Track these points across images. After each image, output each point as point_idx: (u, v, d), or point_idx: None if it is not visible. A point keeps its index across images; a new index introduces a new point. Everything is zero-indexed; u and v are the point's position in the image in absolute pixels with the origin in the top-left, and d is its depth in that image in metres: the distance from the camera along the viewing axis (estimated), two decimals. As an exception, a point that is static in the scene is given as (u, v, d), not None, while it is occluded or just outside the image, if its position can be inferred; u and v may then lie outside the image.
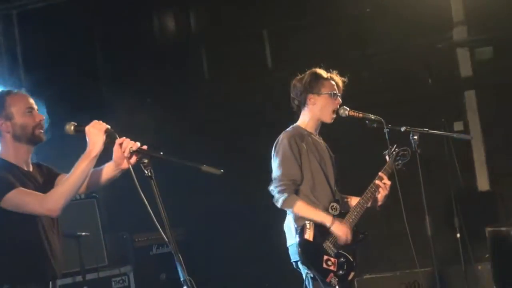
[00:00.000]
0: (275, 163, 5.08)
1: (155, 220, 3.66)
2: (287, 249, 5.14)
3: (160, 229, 3.66)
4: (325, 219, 4.95)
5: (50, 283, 4.21)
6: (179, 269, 3.71)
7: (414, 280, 7.32)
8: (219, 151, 8.85)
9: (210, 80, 9.28)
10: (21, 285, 4.07)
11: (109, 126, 3.97)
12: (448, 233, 6.56)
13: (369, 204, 5.07)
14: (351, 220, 5.01)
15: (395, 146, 5.21)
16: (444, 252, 7.13)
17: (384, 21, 8.41)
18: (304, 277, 4.97)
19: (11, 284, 4.05)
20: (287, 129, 5.18)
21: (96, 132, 3.94)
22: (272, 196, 5.07)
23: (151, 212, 3.64)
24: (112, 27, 7.79)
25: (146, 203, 3.65)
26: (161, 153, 3.88)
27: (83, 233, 6.66)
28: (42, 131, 4.22)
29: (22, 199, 3.99)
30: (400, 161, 5.19)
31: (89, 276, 6.85)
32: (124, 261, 7.52)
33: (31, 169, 4.25)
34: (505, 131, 8.19)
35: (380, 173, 5.12)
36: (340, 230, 4.94)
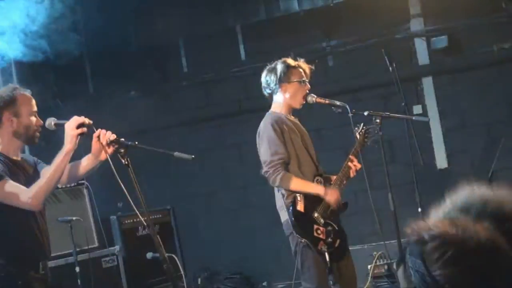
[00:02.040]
0: (262, 148, 4.99)
1: (132, 204, 3.68)
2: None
3: (137, 212, 3.69)
4: (318, 190, 4.94)
5: (40, 263, 4.16)
6: (158, 248, 3.73)
7: (381, 251, 7.32)
8: (200, 136, 8.85)
9: (189, 72, 9.18)
10: (14, 263, 4.05)
11: (87, 120, 3.92)
12: (410, 208, 6.54)
13: (344, 182, 5.03)
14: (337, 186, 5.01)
15: (362, 124, 5.16)
16: (407, 226, 7.10)
17: (347, 14, 8.37)
18: (294, 248, 4.93)
19: (5, 260, 4.03)
20: (265, 117, 5.08)
21: (71, 128, 3.89)
22: (266, 178, 4.96)
23: (129, 197, 3.66)
24: (99, 26, 7.66)
25: (125, 189, 3.66)
26: (136, 142, 3.87)
27: (74, 218, 6.60)
28: (39, 135, 4.16)
29: (7, 192, 3.94)
30: (367, 139, 5.14)
31: (80, 257, 6.78)
32: (113, 242, 7.47)
33: (19, 158, 4.18)
34: (459, 112, 8.22)
35: (350, 156, 5.06)
36: (332, 196, 4.92)
